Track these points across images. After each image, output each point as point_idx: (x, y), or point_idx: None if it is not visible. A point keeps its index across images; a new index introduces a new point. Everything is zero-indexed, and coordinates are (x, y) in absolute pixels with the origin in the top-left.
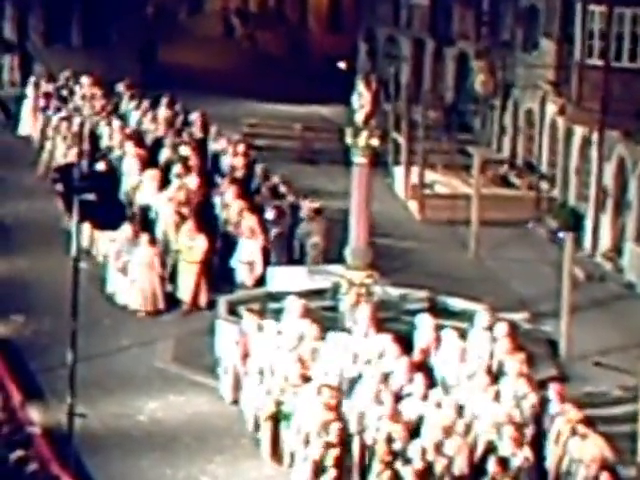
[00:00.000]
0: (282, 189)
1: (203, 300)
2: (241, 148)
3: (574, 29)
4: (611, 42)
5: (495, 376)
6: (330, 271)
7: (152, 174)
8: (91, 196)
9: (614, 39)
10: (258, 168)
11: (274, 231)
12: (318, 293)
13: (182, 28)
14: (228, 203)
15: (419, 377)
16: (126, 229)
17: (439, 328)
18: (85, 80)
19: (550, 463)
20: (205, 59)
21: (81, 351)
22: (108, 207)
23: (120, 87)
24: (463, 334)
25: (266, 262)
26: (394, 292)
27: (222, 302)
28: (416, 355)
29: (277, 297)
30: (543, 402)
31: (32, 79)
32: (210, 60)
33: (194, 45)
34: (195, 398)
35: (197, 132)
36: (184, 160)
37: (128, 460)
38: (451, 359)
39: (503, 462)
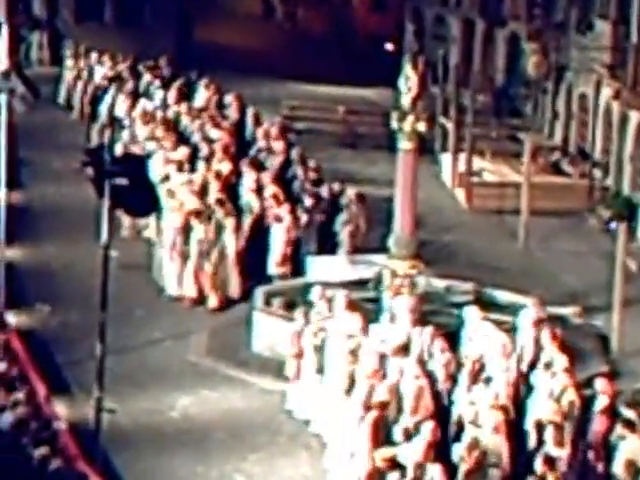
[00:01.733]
0: (314, 175)
1: (236, 291)
2: (274, 131)
3: (631, 10)
4: None
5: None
6: (372, 261)
7: (173, 157)
8: (124, 181)
9: None
10: (294, 152)
11: (308, 218)
12: (359, 284)
13: (220, 7)
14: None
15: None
16: (176, 219)
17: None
18: (94, 56)
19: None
20: (244, 39)
21: (111, 343)
22: (141, 192)
23: (140, 68)
24: (508, 328)
25: (298, 251)
26: (439, 284)
27: (259, 293)
28: (463, 350)
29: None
30: (589, 399)
31: (94, 56)
32: (249, 40)
33: (232, 24)
34: (230, 393)
35: (233, 115)
36: (213, 143)
37: (159, 457)
38: (494, 354)
39: (550, 460)
